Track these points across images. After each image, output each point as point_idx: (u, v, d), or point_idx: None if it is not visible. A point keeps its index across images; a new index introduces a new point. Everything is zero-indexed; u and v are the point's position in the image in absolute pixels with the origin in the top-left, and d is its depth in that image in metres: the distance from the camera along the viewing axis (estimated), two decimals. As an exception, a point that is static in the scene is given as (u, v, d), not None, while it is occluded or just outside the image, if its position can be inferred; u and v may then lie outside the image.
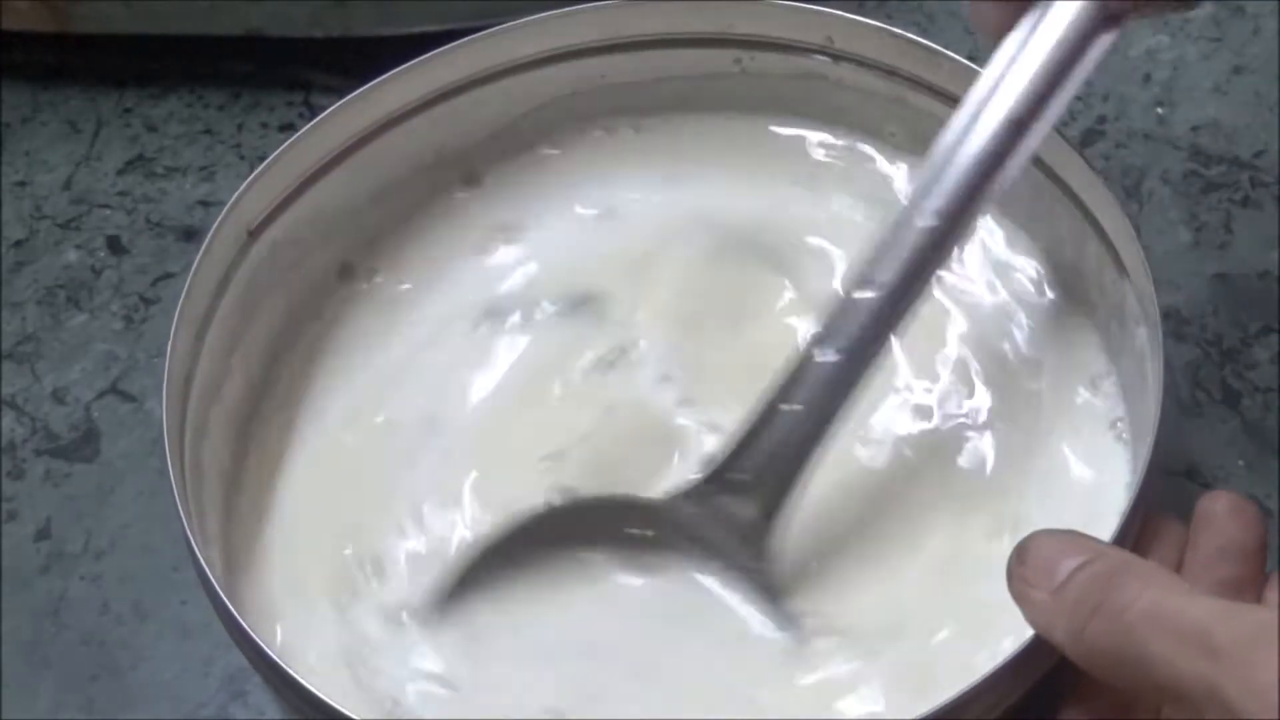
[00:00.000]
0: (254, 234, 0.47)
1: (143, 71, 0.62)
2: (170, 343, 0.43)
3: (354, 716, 0.37)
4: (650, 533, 0.43)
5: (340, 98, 0.47)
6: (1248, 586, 0.38)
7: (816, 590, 0.42)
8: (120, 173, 0.59)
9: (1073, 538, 0.36)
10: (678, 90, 0.51)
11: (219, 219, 0.45)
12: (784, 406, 0.41)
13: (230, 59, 0.61)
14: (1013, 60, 0.40)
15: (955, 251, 0.41)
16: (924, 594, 0.42)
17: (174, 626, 0.48)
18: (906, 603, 0.42)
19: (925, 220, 0.40)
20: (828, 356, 0.40)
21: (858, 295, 0.40)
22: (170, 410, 0.42)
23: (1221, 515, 0.39)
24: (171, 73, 0.61)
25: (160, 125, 0.60)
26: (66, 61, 0.62)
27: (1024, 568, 0.36)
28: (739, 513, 0.42)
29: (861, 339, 0.40)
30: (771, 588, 0.42)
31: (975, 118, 0.40)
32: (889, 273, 0.40)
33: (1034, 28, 0.40)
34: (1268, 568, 0.46)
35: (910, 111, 0.48)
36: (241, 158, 0.59)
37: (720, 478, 0.42)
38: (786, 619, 0.41)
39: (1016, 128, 0.40)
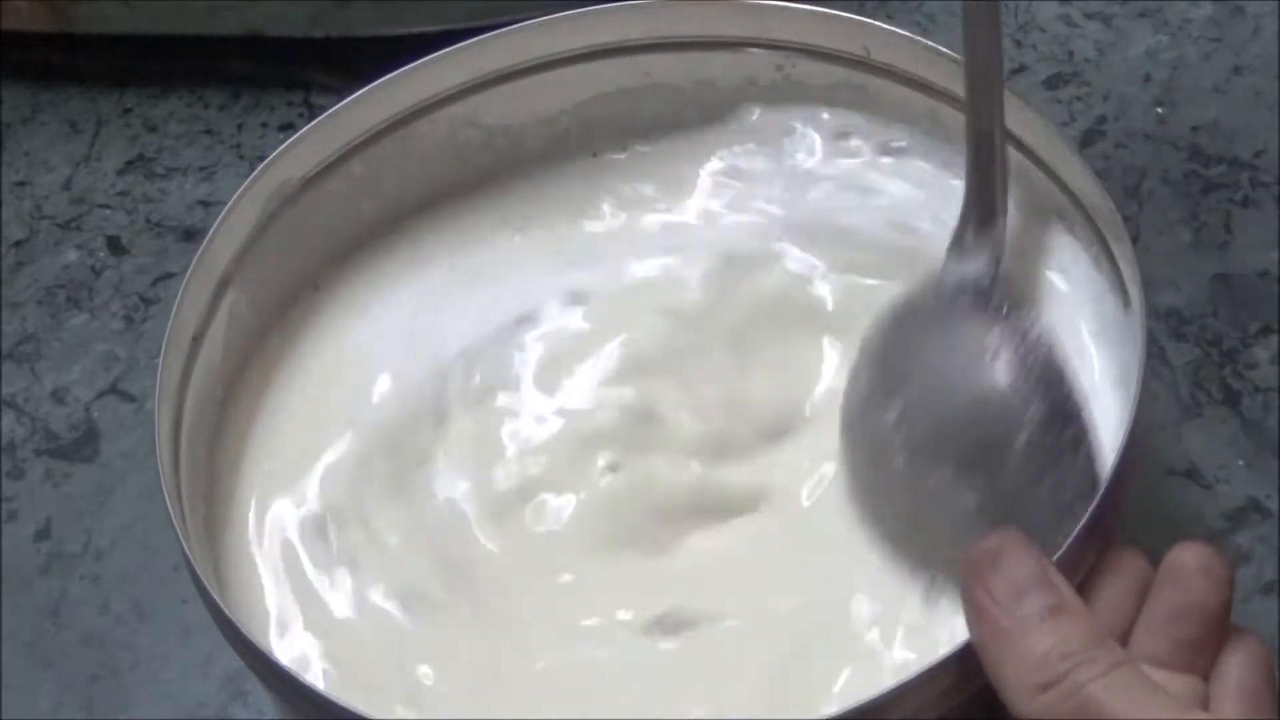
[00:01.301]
0: (260, 229, 0.47)
1: (143, 71, 0.62)
2: (165, 345, 0.43)
3: (355, 712, 0.37)
4: None
5: (340, 98, 0.47)
6: (1205, 648, 0.37)
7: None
8: (120, 173, 0.59)
9: (1045, 568, 0.36)
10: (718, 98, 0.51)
11: (218, 220, 0.45)
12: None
13: (230, 59, 0.61)
14: None
15: None
16: None
17: (174, 626, 0.48)
18: None
19: None
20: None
21: None
22: (163, 412, 0.42)
23: (1190, 571, 0.37)
24: (171, 73, 0.62)
25: (160, 125, 0.60)
26: (66, 61, 0.62)
27: (992, 575, 0.36)
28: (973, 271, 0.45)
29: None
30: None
31: None
32: None
33: None
34: (1265, 574, 0.47)
35: (941, 129, 0.48)
36: (241, 158, 0.59)
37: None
38: None
39: None
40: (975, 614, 0.36)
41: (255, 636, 0.39)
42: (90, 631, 0.49)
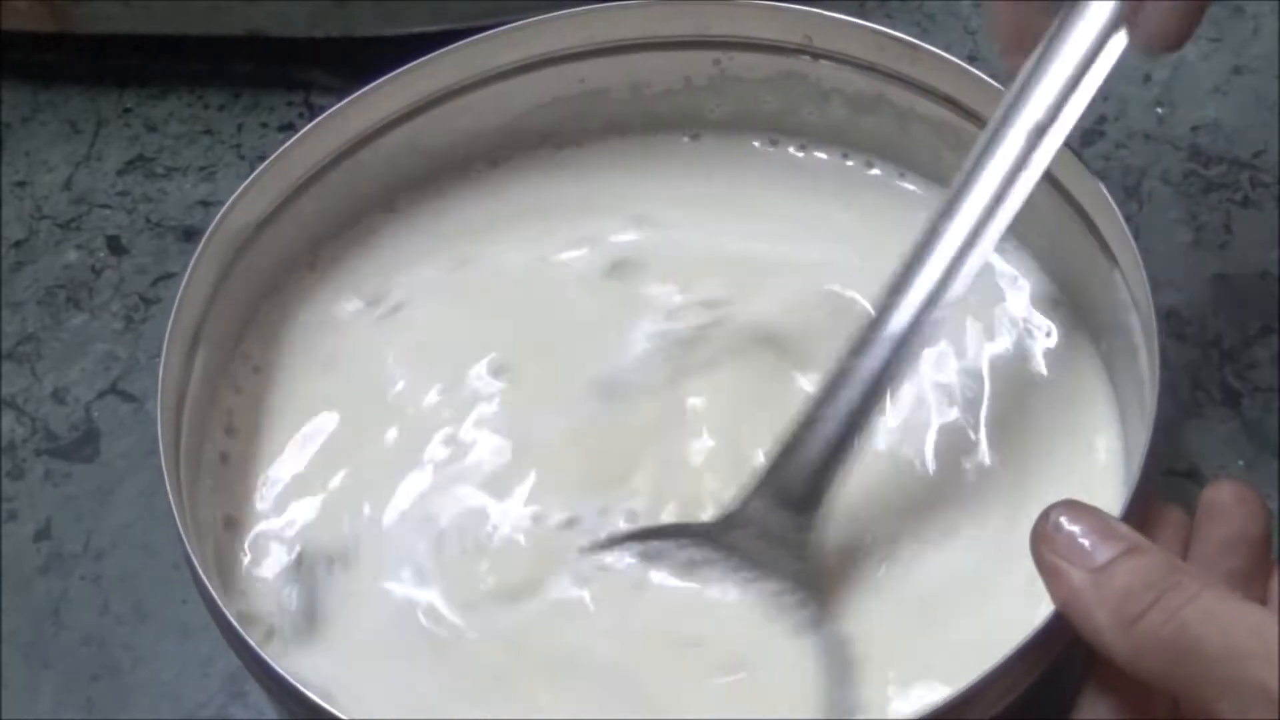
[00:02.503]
0: (254, 232, 0.47)
1: (143, 71, 0.62)
2: (166, 342, 0.43)
3: (346, 718, 0.37)
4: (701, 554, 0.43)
5: (340, 98, 0.48)
6: (1256, 578, 0.38)
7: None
8: (120, 173, 0.59)
9: (1108, 520, 0.37)
10: (655, 102, 0.51)
11: (215, 220, 0.45)
12: (822, 415, 0.42)
13: (230, 59, 0.61)
14: (1035, 69, 0.42)
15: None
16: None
17: (174, 626, 0.48)
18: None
19: (953, 240, 0.42)
20: (863, 367, 0.42)
21: (890, 312, 0.42)
22: (165, 411, 0.42)
23: (1227, 505, 0.39)
24: (171, 73, 0.61)
25: (160, 125, 0.60)
26: (66, 61, 0.62)
27: (1059, 537, 0.36)
28: (780, 524, 0.42)
29: (893, 351, 0.42)
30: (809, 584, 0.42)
31: (999, 131, 0.42)
32: (919, 290, 0.42)
33: (1055, 35, 0.41)
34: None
35: (894, 111, 0.49)
36: (242, 158, 0.59)
37: (765, 491, 0.42)
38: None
39: (1038, 133, 0.42)
40: (1052, 578, 0.36)
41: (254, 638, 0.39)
42: (90, 631, 0.49)
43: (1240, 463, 0.49)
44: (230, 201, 0.45)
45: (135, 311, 0.56)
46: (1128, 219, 0.43)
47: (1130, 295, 0.43)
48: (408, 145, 0.50)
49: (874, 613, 0.42)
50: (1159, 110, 0.57)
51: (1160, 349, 0.41)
